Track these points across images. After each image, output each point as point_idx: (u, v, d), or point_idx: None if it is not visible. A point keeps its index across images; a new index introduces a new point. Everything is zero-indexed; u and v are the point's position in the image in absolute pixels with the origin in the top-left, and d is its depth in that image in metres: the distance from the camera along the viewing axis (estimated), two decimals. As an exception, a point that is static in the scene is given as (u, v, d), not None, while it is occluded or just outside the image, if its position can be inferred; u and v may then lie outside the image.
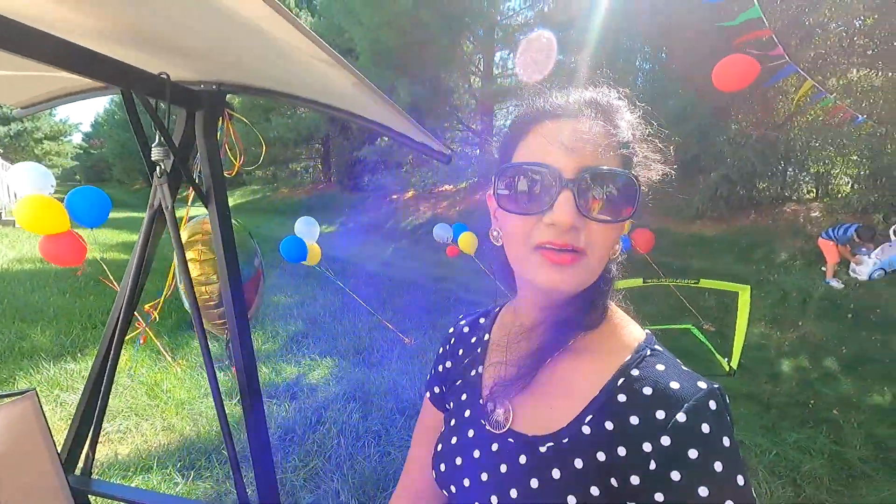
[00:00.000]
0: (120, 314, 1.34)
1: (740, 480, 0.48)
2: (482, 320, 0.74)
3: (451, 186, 15.01)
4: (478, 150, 15.21)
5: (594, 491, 0.51)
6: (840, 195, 8.45)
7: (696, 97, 8.01)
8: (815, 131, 7.84)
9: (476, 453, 0.60)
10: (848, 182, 8.77)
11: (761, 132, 7.98)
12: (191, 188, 1.40)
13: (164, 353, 4.01)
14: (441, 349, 0.77)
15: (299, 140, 18.56)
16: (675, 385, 0.52)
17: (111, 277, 3.20)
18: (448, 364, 0.73)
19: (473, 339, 0.72)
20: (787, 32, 6.99)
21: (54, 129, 31.95)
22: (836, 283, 6.35)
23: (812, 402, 3.87)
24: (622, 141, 0.55)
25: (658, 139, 0.59)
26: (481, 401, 0.63)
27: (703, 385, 0.52)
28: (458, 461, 0.61)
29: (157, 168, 1.26)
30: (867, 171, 7.96)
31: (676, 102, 8.16)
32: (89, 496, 1.40)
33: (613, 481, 0.51)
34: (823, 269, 6.60)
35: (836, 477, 2.84)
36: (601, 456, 0.52)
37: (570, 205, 0.51)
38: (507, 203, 0.55)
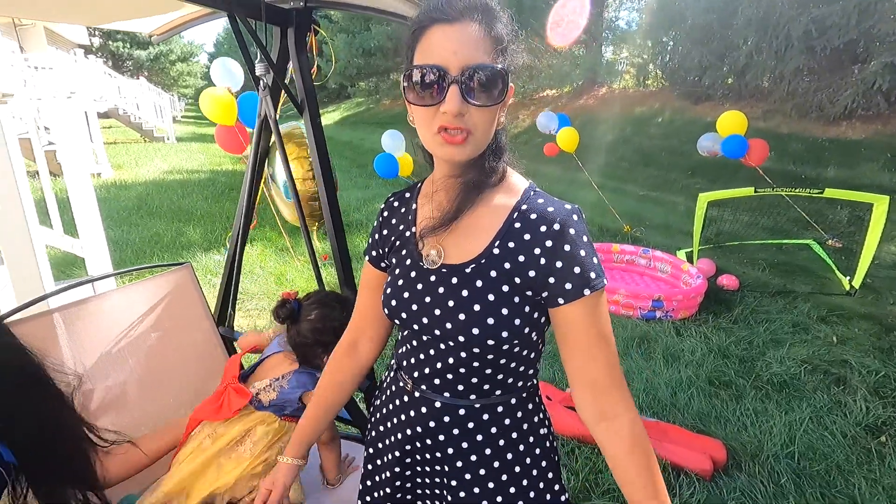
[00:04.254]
0: (244, 210, 1.65)
1: (596, 259, 0.73)
2: (408, 195, 0.90)
3: (555, 91, 14.12)
4: (583, 50, 13.92)
5: (505, 288, 0.74)
6: None
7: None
8: None
9: (419, 286, 0.79)
10: None
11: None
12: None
13: (290, 249, 4.66)
14: (376, 222, 0.93)
15: (400, 48, 18.21)
16: (550, 208, 0.75)
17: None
18: (385, 232, 0.89)
19: (403, 210, 0.88)
20: None
21: (184, 50, 34.74)
22: None
23: (945, 327, 3.45)
24: (496, 38, 0.68)
25: (523, 33, 0.73)
26: (418, 249, 0.81)
27: (568, 206, 0.75)
28: (406, 294, 0.80)
29: (261, 82, 1.46)
30: None
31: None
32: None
33: (517, 279, 0.74)
34: None
35: (950, 403, 2.63)
36: (507, 265, 0.74)
37: (457, 96, 0.66)
38: (412, 97, 0.70)
